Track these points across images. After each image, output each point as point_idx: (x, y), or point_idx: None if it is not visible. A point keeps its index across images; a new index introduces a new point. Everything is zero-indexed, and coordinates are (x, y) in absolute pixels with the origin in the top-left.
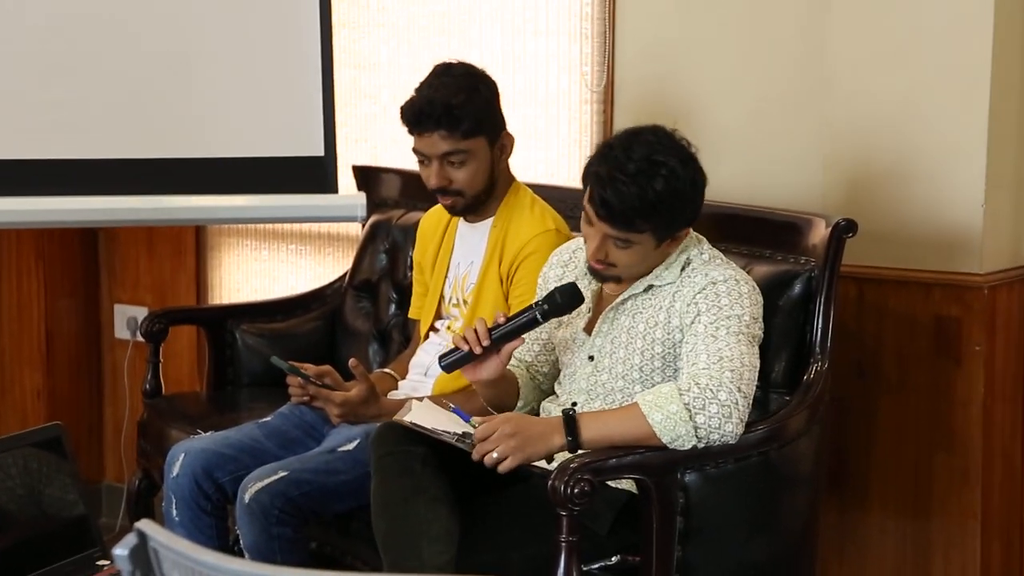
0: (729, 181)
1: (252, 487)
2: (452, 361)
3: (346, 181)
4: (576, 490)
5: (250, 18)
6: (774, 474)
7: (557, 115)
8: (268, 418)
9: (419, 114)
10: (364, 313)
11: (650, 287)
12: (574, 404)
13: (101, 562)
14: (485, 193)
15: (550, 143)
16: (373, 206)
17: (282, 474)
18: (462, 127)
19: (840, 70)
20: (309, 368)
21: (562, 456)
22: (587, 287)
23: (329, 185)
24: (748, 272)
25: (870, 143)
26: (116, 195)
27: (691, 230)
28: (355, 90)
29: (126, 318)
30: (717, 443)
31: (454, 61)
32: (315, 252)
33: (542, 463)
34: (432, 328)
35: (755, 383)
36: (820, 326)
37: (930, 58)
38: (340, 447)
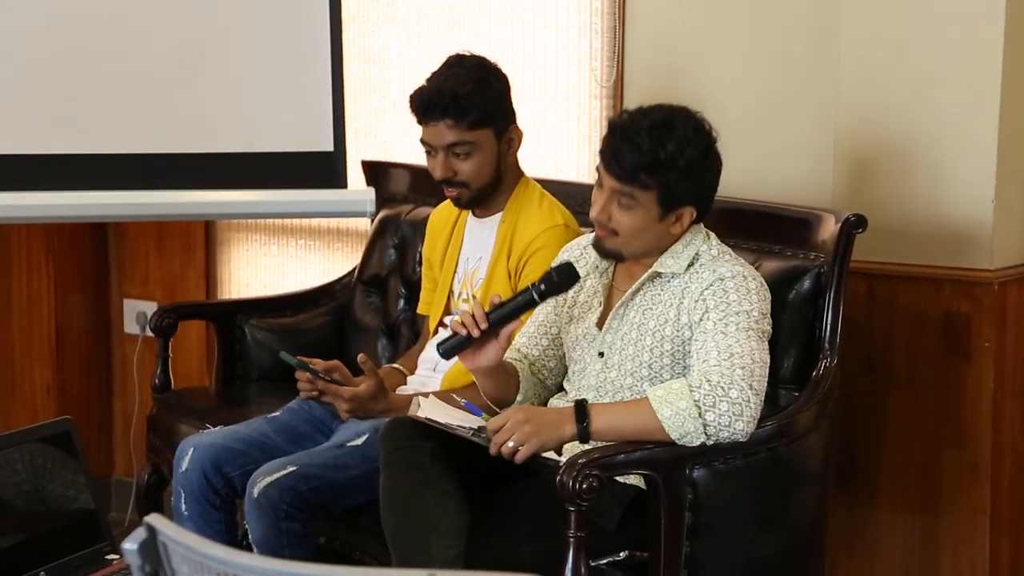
0: (738, 175)
1: (261, 482)
2: (450, 346)
3: (355, 176)
4: (584, 485)
5: (259, 13)
6: (783, 470)
7: (567, 110)
8: (277, 413)
9: (427, 103)
10: (373, 308)
11: (657, 275)
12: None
13: (110, 556)
14: (491, 186)
15: (559, 138)
16: (382, 201)
17: (291, 469)
18: (468, 117)
19: (850, 64)
20: (318, 363)
21: (572, 448)
22: (597, 282)
23: (338, 180)
24: (757, 267)
25: (880, 138)
26: (125, 190)
27: (701, 225)
28: (365, 85)
29: (135, 313)
30: (727, 440)
31: (468, 53)
32: (324, 247)
33: (552, 454)
34: (441, 323)
35: (766, 379)
36: (829, 322)
37: (940, 52)
38: (349, 442)
